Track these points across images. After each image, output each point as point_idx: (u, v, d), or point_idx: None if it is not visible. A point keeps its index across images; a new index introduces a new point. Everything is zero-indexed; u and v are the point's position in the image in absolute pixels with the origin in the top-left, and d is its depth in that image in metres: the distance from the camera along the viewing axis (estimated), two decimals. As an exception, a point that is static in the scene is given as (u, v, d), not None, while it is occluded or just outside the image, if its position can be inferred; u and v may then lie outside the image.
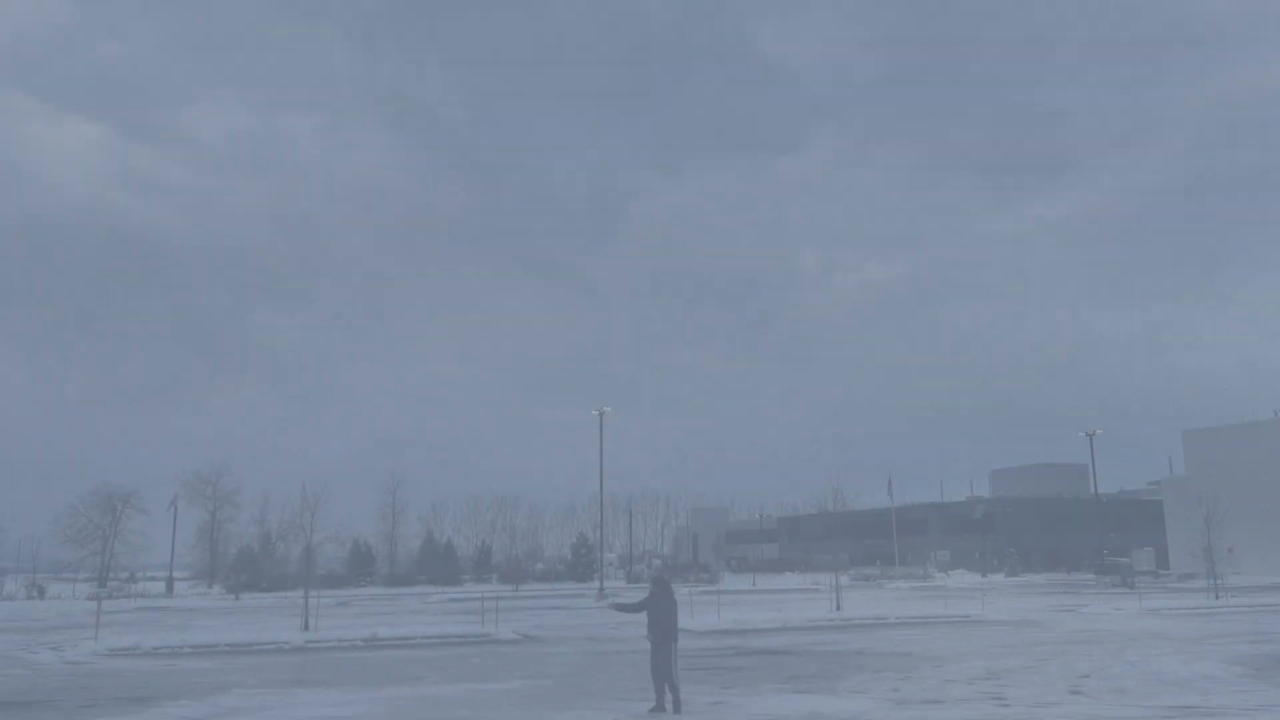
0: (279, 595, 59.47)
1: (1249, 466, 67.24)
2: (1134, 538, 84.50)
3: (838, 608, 32.07)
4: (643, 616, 13.78)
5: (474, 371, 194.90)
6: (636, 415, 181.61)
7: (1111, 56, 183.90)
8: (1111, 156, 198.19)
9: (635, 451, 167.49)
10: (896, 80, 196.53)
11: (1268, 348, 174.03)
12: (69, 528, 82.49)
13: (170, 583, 72.30)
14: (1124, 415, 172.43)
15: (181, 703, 14.66)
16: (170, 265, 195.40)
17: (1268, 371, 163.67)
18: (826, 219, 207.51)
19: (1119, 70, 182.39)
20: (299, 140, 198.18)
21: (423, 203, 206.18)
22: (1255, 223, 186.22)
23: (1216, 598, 37.99)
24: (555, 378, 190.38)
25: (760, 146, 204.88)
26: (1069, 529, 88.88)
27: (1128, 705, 13.69)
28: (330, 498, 30.35)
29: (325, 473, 76.19)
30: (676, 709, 13.06)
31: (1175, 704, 13.68)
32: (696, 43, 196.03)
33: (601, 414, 51.73)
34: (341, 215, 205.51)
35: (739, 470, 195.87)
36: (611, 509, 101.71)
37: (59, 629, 32.32)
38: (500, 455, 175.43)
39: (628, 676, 17.82)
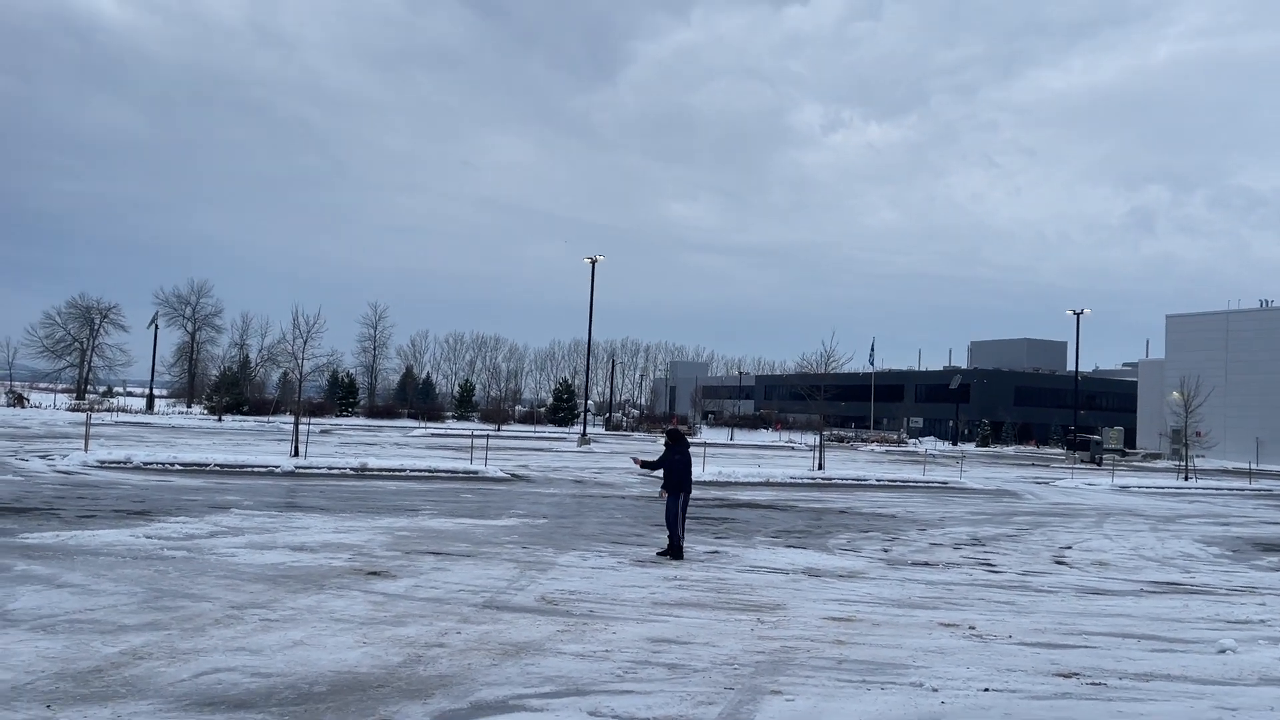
0: (261, 419, 59.96)
1: (1228, 354, 68.11)
2: (1104, 417, 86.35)
3: (819, 466, 32.59)
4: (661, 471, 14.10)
5: (458, 208, 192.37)
6: (621, 264, 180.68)
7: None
8: (1130, 29, 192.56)
9: (617, 301, 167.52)
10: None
11: (1259, 237, 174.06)
12: (47, 338, 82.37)
13: (150, 400, 72.59)
14: (1108, 297, 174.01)
15: (181, 519, 14.67)
16: (146, 76, 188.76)
17: (1257, 261, 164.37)
18: (830, 75, 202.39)
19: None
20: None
21: (415, 27, 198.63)
22: (1264, 108, 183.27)
23: (1186, 479, 38.95)
24: (542, 221, 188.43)
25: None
26: (1043, 404, 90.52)
27: (1114, 578, 13.96)
28: (320, 326, 30.00)
29: (304, 299, 76.21)
30: (678, 555, 13.40)
31: (1161, 579, 13.97)
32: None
33: (594, 262, 51.09)
34: (327, 33, 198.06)
35: (719, 326, 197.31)
36: (592, 357, 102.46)
37: (44, 438, 32.43)
38: (481, 296, 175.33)
39: (619, 520, 18.07)
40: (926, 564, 14.42)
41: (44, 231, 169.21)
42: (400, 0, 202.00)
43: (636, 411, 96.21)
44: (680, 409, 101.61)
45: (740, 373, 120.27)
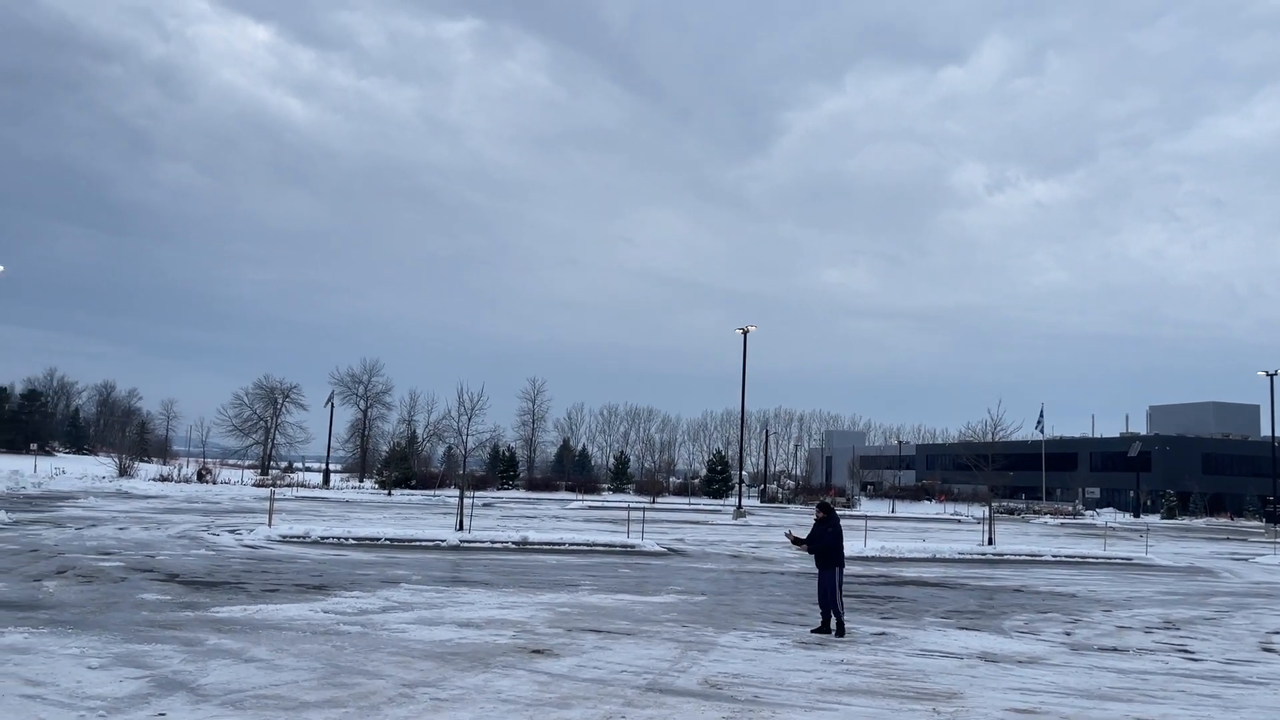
0: (427, 493, 62.15)
1: None
2: (1308, 486, 79.20)
3: (989, 541, 31.08)
4: (812, 544, 13.91)
5: (615, 281, 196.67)
6: (776, 333, 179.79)
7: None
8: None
9: (771, 369, 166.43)
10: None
11: None
12: (235, 417, 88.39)
13: (326, 475, 76.46)
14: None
15: (355, 593, 15.25)
16: (329, 169, 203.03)
17: None
18: (991, 134, 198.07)
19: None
20: (454, 44, 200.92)
21: (572, 109, 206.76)
22: None
23: None
24: (697, 292, 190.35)
25: (925, 55, 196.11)
26: (1235, 472, 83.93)
27: (1335, 670, 12.60)
28: (483, 404, 31.08)
29: (466, 376, 78.78)
30: (840, 632, 13.16)
31: (1392, 673, 12.52)
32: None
33: (746, 332, 51.06)
34: (491, 120, 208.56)
35: (876, 393, 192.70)
36: (745, 427, 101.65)
37: (233, 513, 34.50)
38: (635, 367, 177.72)
39: (779, 598, 17.66)
40: (1115, 650, 13.42)
41: (237, 317, 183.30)
42: (559, 85, 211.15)
43: (792, 483, 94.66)
44: (837, 480, 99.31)
45: (900, 442, 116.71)
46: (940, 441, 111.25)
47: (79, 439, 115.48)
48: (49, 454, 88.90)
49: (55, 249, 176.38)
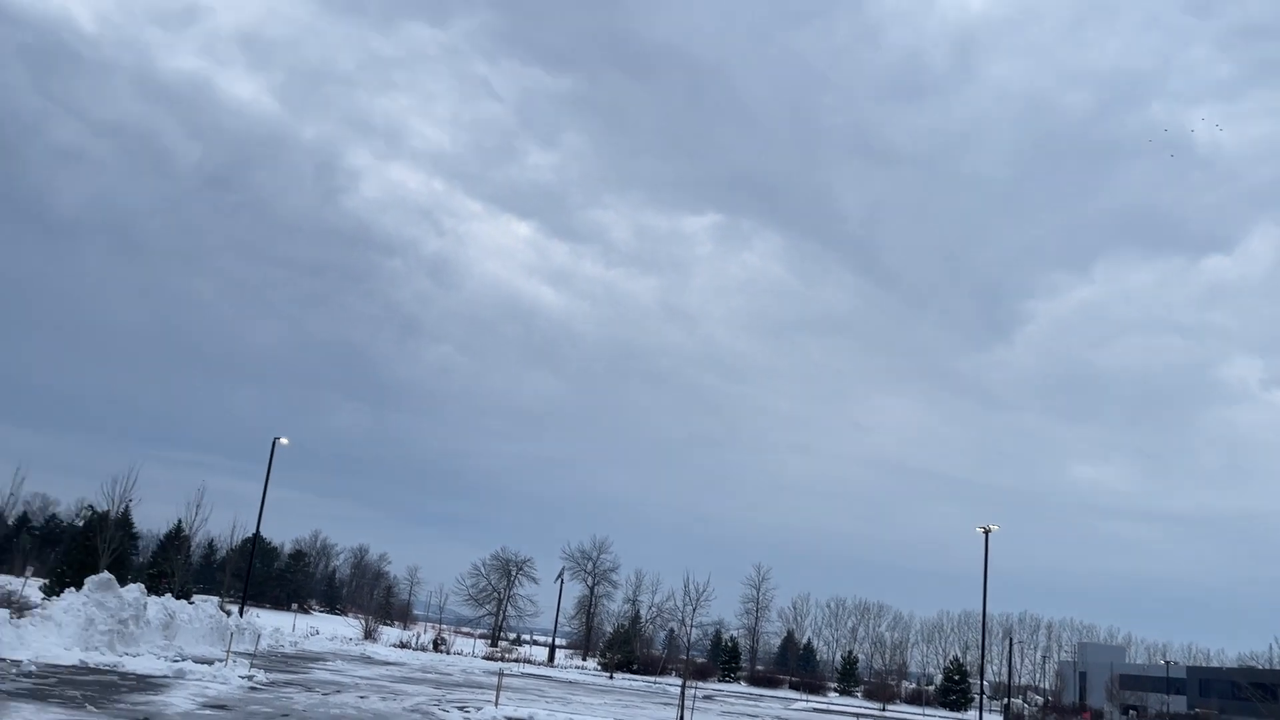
0: (648, 679, 61.46)
1: None
2: None
3: (1279, 795, 26.90)
4: None
5: (845, 468, 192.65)
6: (1019, 530, 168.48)
7: None
8: None
9: (1014, 568, 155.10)
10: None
11: None
12: (472, 588, 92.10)
13: (552, 651, 77.43)
14: None
15: (573, 790, 15.27)
16: (572, 351, 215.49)
17: None
18: (1264, 325, 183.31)
19: None
20: (696, 236, 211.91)
21: (806, 297, 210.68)
22: None
23: None
24: (931, 482, 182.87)
25: (1184, 243, 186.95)
26: None
27: None
28: (708, 594, 30.95)
29: (692, 556, 78.78)
30: None
31: None
32: (1116, 132, 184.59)
33: (987, 532, 48.41)
34: (726, 308, 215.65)
35: (1136, 604, 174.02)
36: (986, 633, 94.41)
37: (462, 686, 35.54)
38: (864, 558, 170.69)
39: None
40: None
41: (481, 488, 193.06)
42: (794, 273, 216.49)
43: (1039, 698, 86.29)
44: (1093, 700, 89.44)
45: (1167, 661, 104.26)
46: (1216, 664, 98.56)
47: (333, 598, 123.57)
48: (306, 612, 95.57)
49: (331, 422, 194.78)
